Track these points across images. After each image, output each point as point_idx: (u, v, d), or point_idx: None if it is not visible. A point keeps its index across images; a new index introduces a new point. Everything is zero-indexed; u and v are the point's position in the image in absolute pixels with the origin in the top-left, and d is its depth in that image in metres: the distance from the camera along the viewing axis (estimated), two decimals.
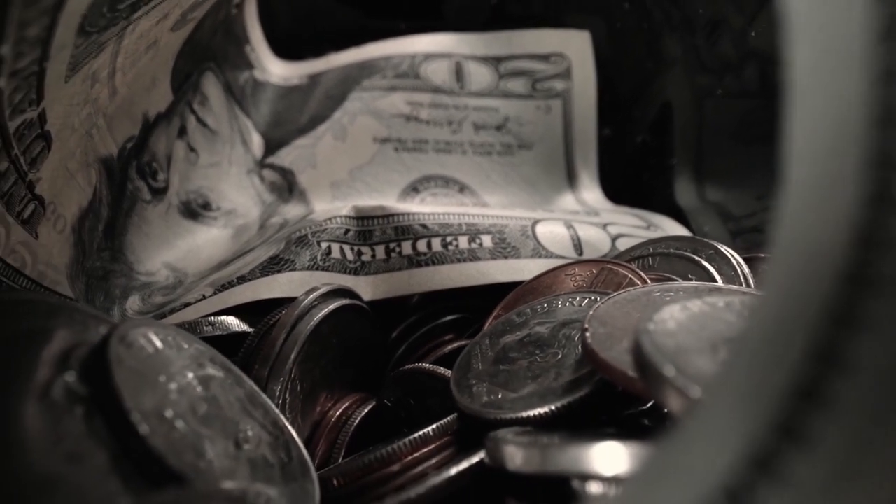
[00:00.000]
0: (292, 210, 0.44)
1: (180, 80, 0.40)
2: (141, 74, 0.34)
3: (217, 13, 0.41)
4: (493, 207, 0.45)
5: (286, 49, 0.49)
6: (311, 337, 0.29)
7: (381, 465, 0.23)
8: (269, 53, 0.48)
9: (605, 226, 0.41)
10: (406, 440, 0.23)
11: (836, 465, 0.08)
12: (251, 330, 0.32)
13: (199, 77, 0.42)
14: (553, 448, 0.18)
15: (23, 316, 0.18)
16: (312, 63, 0.49)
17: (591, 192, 0.49)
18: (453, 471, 0.21)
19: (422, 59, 0.48)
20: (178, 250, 0.39)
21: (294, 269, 0.35)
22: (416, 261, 0.37)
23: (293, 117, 0.47)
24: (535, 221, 0.40)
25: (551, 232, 0.40)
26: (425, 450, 0.23)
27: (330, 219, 0.38)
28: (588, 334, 0.22)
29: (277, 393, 0.27)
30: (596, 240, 0.40)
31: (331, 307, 0.30)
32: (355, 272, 0.37)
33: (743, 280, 0.30)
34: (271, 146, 0.46)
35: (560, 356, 0.25)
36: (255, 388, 0.24)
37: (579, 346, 0.24)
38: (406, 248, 0.37)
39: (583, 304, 0.27)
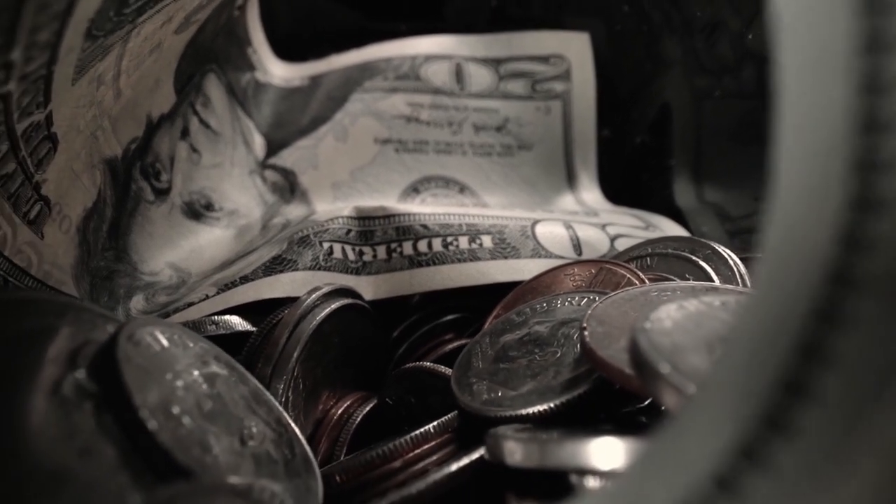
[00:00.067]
0: (294, 210, 0.44)
1: (183, 81, 0.40)
2: (145, 76, 0.35)
3: (219, 16, 0.41)
4: (493, 208, 0.45)
5: (287, 50, 0.49)
6: (314, 336, 0.29)
7: (383, 461, 0.23)
8: (271, 55, 0.48)
9: (604, 226, 0.42)
10: (407, 437, 0.23)
11: (817, 453, 0.09)
12: (254, 329, 0.32)
13: (201, 79, 0.42)
14: (552, 443, 0.18)
15: (33, 314, 0.18)
16: (314, 64, 0.49)
17: (591, 193, 0.50)
18: (454, 467, 0.22)
19: (422, 60, 0.49)
20: (181, 250, 0.40)
21: (296, 269, 0.36)
22: (416, 261, 0.38)
23: (295, 118, 0.47)
24: (535, 222, 0.41)
25: (551, 232, 0.40)
26: (426, 446, 0.23)
27: (332, 219, 0.38)
28: (586, 333, 0.23)
29: (280, 391, 0.27)
30: (595, 240, 0.40)
31: (333, 307, 0.30)
32: (357, 272, 0.37)
33: (740, 280, 0.30)
34: (273, 147, 0.46)
35: (559, 355, 0.25)
36: (259, 385, 0.24)
37: (578, 345, 0.25)
38: (407, 248, 0.38)
39: (581, 304, 0.28)
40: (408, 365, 0.31)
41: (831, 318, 0.09)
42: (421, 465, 0.23)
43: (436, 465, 0.23)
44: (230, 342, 0.29)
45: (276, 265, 0.36)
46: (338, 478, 0.23)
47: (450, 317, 0.38)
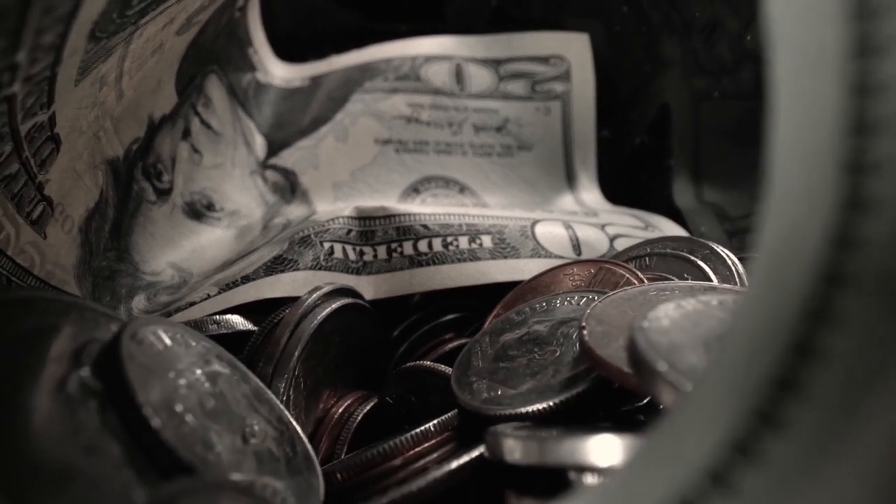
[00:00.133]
0: (295, 211, 0.45)
1: (184, 82, 0.41)
2: (147, 77, 0.35)
3: (221, 17, 0.41)
4: (493, 208, 0.46)
5: (288, 51, 0.49)
6: (315, 335, 0.29)
7: (384, 459, 0.23)
8: (272, 56, 0.48)
9: (603, 226, 0.42)
10: (408, 435, 0.24)
11: (808, 447, 0.09)
12: (255, 328, 0.32)
13: (202, 79, 0.43)
14: (551, 441, 0.18)
15: (38, 313, 0.18)
16: (314, 65, 0.49)
17: (590, 193, 0.50)
18: (454, 464, 0.22)
19: (422, 61, 0.49)
20: (182, 250, 0.40)
21: (297, 269, 0.36)
22: (417, 261, 0.38)
23: (295, 119, 0.47)
24: (535, 222, 0.41)
25: (550, 232, 0.40)
26: (427, 444, 0.24)
27: (332, 219, 0.39)
28: (585, 332, 0.23)
29: (281, 390, 0.28)
30: (594, 240, 0.40)
31: (333, 306, 0.31)
32: (357, 272, 0.37)
33: (738, 279, 0.30)
34: (274, 147, 0.47)
35: (558, 353, 0.25)
36: (261, 384, 0.24)
37: (577, 344, 0.25)
38: (407, 248, 0.38)
39: (581, 303, 0.28)
40: (408, 364, 0.32)
41: (823, 316, 0.09)
42: (421, 462, 0.23)
43: (436, 463, 0.23)
44: (232, 341, 0.30)
45: (277, 265, 0.36)
46: (339, 475, 0.23)
47: (450, 316, 0.38)
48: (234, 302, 0.34)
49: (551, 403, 0.23)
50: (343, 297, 0.32)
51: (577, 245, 0.40)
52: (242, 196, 0.44)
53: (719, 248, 0.32)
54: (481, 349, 0.28)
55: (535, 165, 0.49)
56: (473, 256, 0.38)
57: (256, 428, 0.21)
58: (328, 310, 0.30)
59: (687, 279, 0.31)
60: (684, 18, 0.47)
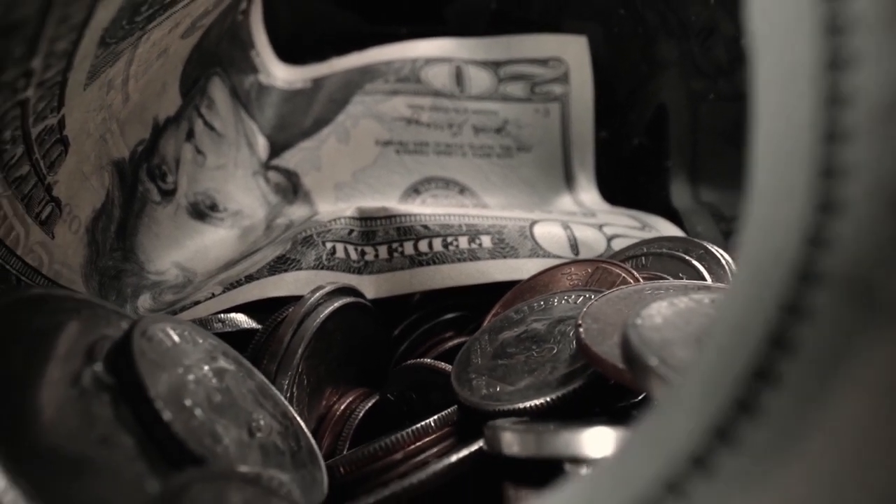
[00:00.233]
0: (297, 211, 0.45)
1: (188, 85, 0.41)
2: (152, 81, 0.35)
3: (224, 20, 0.42)
4: (493, 208, 0.46)
5: (289, 53, 0.50)
6: (318, 333, 0.30)
7: (386, 453, 0.24)
8: (274, 58, 0.49)
9: (600, 226, 0.43)
10: (409, 430, 0.24)
11: (779, 431, 0.10)
12: (259, 327, 0.33)
13: (206, 82, 0.43)
14: (547, 434, 0.19)
15: (52, 310, 0.19)
16: (316, 67, 0.50)
17: (589, 194, 0.50)
18: (454, 458, 0.22)
19: (422, 63, 0.49)
20: (186, 250, 0.40)
21: (300, 269, 0.36)
22: (417, 260, 0.38)
23: (297, 120, 0.48)
24: (533, 222, 0.41)
25: (549, 232, 0.41)
26: (427, 439, 0.24)
27: (334, 220, 0.39)
28: (581, 330, 0.23)
29: (285, 387, 0.28)
30: (592, 240, 0.41)
31: (336, 305, 0.31)
32: (359, 271, 0.38)
33: (731, 278, 0.31)
34: (276, 149, 0.47)
35: (555, 351, 0.26)
36: (265, 380, 0.25)
37: (574, 342, 0.25)
38: (408, 248, 0.39)
39: (578, 302, 0.28)
40: (409, 362, 0.32)
41: (796, 310, 0.10)
42: (422, 456, 0.24)
43: (436, 457, 0.24)
44: (236, 339, 0.30)
45: (280, 264, 0.37)
46: (342, 469, 0.24)
47: (450, 315, 0.38)
48: (238, 301, 0.35)
49: (548, 399, 0.23)
50: (345, 297, 0.32)
51: (574, 245, 0.40)
52: (245, 197, 0.45)
53: (713, 248, 0.33)
54: (480, 347, 0.28)
55: (534, 166, 0.50)
56: (473, 256, 0.38)
57: (262, 422, 0.22)
58: (330, 308, 0.31)
59: (682, 278, 0.32)
60: (681, 21, 0.47)
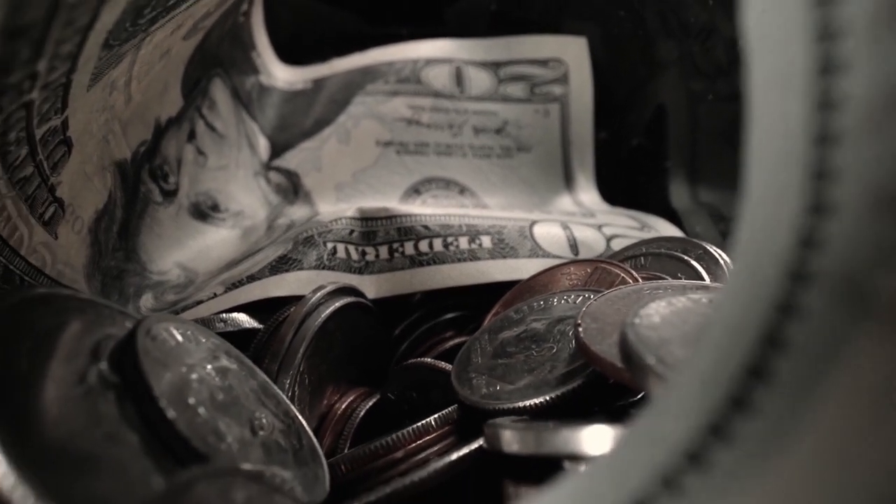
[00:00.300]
0: (298, 211, 0.45)
1: (190, 86, 0.41)
2: (154, 82, 0.36)
3: (225, 21, 0.42)
4: (493, 209, 0.46)
5: (290, 54, 0.50)
6: (319, 333, 0.30)
7: (387, 451, 0.24)
8: (275, 59, 0.49)
9: (600, 227, 0.43)
10: (410, 429, 0.24)
11: (772, 427, 0.10)
12: (261, 326, 0.33)
13: (207, 83, 0.43)
14: (547, 431, 0.19)
15: (56, 310, 0.19)
16: (317, 68, 0.50)
17: (588, 194, 0.51)
18: (454, 455, 0.23)
19: (423, 64, 0.49)
20: (188, 250, 0.41)
21: (301, 269, 0.37)
22: (417, 260, 0.39)
23: (298, 121, 0.48)
24: (533, 222, 0.42)
25: (548, 233, 0.41)
26: (428, 437, 0.24)
27: (335, 220, 0.39)
28: (580, 329, 0.24)
29: (287, 386, 0.28)
30: (591, 240, 0.41)
31: (337, 305, 0.31)
32: (360, 271, 0.38)
33: None
34: (277, 149, 0.47)
35: (555, 350, 0.26)
36: (267, 380, 0.25)
37: (573, 341, 0.25)
38: (408, 248, 0.39)
39: (577, 302, 0.29)
40: (409, 361, 0.32)
41: (788, 309, 0.10)
42: (423, 455, 0.24)
43: (437, 455, 0.24)
44: (238, 339, 0.30)
45: (281, 264, 0.37)
46: (343, 467, 0.24)
47: (450, 315, 0.39)
48: (240, 300, 0.35)
49: (548, 398, 0.23)
50: (346, 296, 0.33)
51: (574, 245, 0.41)
52: (246, 197, 0.45)
53: (712, 248, 0.33)
54: (481, 346, 0.29)
55: (534, 167, 0.50)
56: (473, 256, 0.39)
57: (264, 421, 0.22)
58: (332, 308, 0.31)
59: (681, 278, 0.32)
60: (680, 22, 0.48)
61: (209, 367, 0.22)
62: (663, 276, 0.33)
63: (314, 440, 0.24)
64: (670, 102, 0.50)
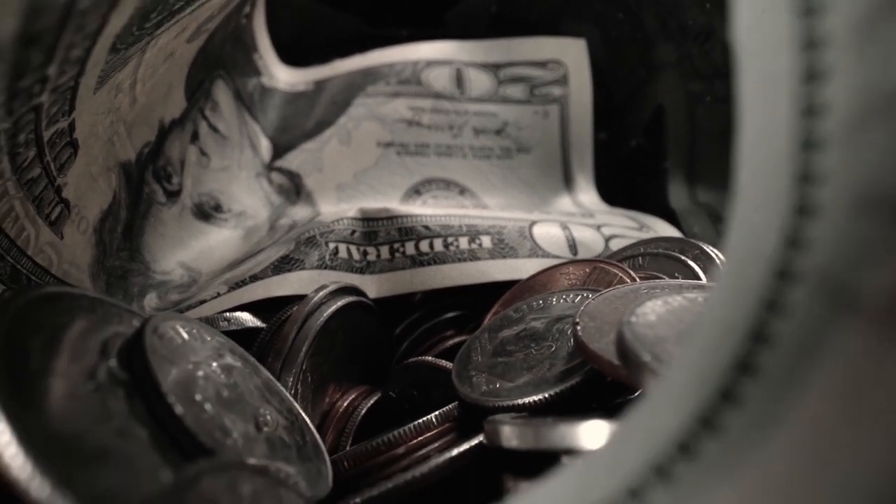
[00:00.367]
0: (299, 212, 0.46)
1: (193, 87, 0.42)
2: (158, 84, 0.36)
3: (228, 24, 0.43)
4: (493, 209, 0.47)
5: (292, 56, 0.50)
6: (321, 332, 0.30)
7: (388, 448, 0.24)
8: (277, 60, 0.50)
9: (599, 227, 0.43)
10: (411, 425, 0.25)
11: (758, 418, 0.10)
12: (264, 325, 0.33)
13: (210, 85, 0.44)
14: (545, 427, 0.20)
15: (65, 308, 0.20)
16: (318, 70, 0.50)
17: (587, 195, 0.51)
18: (454, 451, 0.23)
19: (423, 65, 0.50)
20: (192, 250, 0.41)
21: (303, 268, 0.37)
22: (418, 260, 0.39)
23: (300, 122, 0.49)
24: (533, 223, 0.42)
25: (547, 233, 0.41)
26: (429, 434, 0.25)
27: (337, 220, 0.40)
28: (579, 328, 0.24)
29: (290, 384, 0.29)
30: (590, 240, 0.42)
31: (339, 304, 0.32)
32: (361, 271, 0.39)
33: None
34: (279, 150, 0.48)
35: (554, 348, 0.26)
36: (271, 377, 0.26)
37: (571, 339, 0.26)
38: (409, 248, 0.39)
39: (576, 301, 0.29)
40: (410, 359, 0.33)
41: (775, 306, 0.10)
42: (424, 451, 0.24)
43: (437, 452, 0.24)
44: (241, 337, 0.31)
45: (284, 264, 0.37)
46: (346, 463, 0.24)
47: (450, 314, 0.39)
48: (243, 300, 0.36)
49: (547, 395, 0.24)
50: (348, 296, 0.33)
51: (573, 245, 0.41)
52: (249, 197, 0.46)
53: (709, 249, 0.33)
54: (481, 345, 0.29)
55: (534, 167, 0.51)
56: (473, 256, 0.39)
57: (268, 417, 0.22)
58: (334, 307, 0.31)
59: (678, 278, 0.32)
60: (679, 24, 0.48)
61: (214, 364, 0.22)
62: (661, 275, 0.33)
63: (317, 436, 0.24)
64: (669, 103, 0.50)
